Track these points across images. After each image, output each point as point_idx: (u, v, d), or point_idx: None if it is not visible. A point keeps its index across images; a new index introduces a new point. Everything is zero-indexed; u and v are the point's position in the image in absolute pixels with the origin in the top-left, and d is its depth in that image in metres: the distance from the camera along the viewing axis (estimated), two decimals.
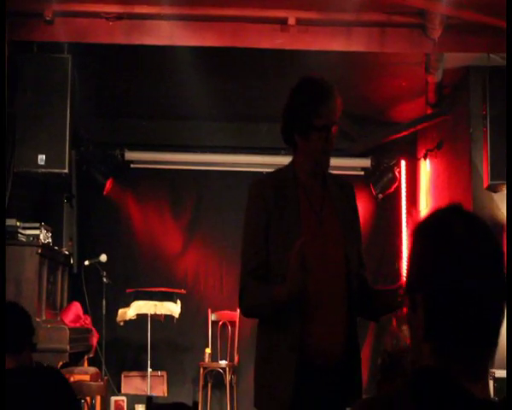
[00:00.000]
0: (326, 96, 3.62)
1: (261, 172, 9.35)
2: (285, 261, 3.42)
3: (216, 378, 10.24)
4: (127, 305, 9.31)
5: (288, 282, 3.42)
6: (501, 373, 7.00)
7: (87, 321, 8.77)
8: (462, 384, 1.60)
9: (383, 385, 3.74)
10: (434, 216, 1.74)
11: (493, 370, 6.98)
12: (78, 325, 8.33)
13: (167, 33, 7.02)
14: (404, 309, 3.56)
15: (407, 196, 10.74)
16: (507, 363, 1.59)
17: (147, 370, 9.23)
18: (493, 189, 7.65)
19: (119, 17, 6.98)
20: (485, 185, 7.62)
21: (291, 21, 6.96)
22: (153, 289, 9.58)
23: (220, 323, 10.41)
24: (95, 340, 8.90)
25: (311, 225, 3.64)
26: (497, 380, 6.97)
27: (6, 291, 3.64)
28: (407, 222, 10.62)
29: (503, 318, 1.67)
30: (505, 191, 7.72)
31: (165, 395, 9.71)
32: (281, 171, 3.83)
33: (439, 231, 1.70)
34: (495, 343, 1.66)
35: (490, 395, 1.69)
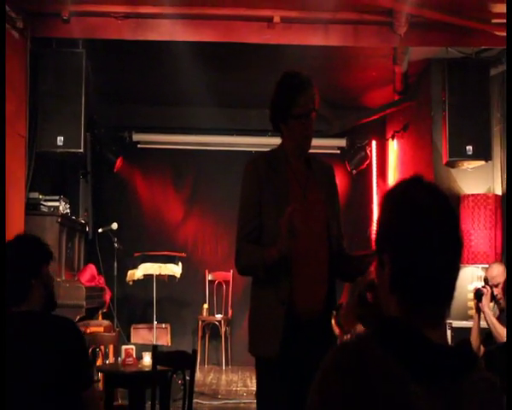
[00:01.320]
0: (302, 87, 3.62)
1: (251, 151, 9.42)
2: (277, 226, 3.44)
3: (212, 330, 10.29)
4: (135, 267, 9.32)
5: (279, 244, 3.44)
6: (457, 324, 7.05)
7: (101, 281, 8.78)
8: (423, 332, 1.61)
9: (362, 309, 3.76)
10: (399, 186, 1.73)
11: (451, 321, 7.03)
12: (93, 284, 8.34)
13: (168, 30, 6.99)
14: (373, 266, 3.59)
15: (377, 172, 10.77)
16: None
17: (153, 323, 9.24)
18: (451, 165, 7.65)
19: (127, 16, 6.95)
20: (444, 162, 7.63)
21: (276, 19, 6.94)
22: (157, 253, 9.60)
23: (216, 282, 10.44)
24: (107, 297, 8.91)
25: (297, 197, 3.65)
26: (453, 329, 7.02)
27: None
28: (377, 194, 10.65)
29: (458, 275, 1.67)
30: (462, 167, 7.74)
31: (169, 344, 9.74)
32: (273, 151, 3.82)
33: (404, 198, 1.70)
34: (450, 297, 1.66)
35: (447, 341, 1.70)
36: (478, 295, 5.76)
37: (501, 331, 5.43)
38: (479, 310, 5.75)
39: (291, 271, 3.56)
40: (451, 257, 1.66)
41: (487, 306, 5.68)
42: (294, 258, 3.55)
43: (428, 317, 1.64)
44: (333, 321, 7.78)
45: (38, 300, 3.32)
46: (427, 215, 1.65)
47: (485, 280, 5.96)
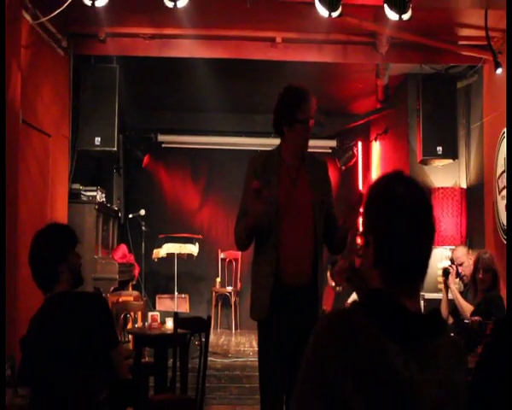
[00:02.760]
0: (306, 97, 3.70)
1: (256, 150, 9.40)
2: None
3: (224, 300, 10.31)
4: (160, 246, 9.34)
5: (249, 211, 3.56)
6: (428, 295, 7.06)
7: (131, 258, 8.80)
8: (401, 301, 1.63)
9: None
10: (382, 179, 1.75)
11: (423, 293, 7.04)
12: (124, 260, 8.36)
13: (188, 48, 6.98)
14: (360, 245, 3.63)
15: (363, 168, 10.76)
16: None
17: (174, 293, 9.27)
18: (424, 162, 7.64)
19: (153, 37, 6.94)
20: (418, 160, 7.61)
21: (278, 40, 6.92)
22: (178, 235, 9.62)
23: (227, 260, 10.46)
24: (136, 272, 8.94)
25: (287, 186, 3.71)
26: (426, 300, 7.03)
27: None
28: (363, 187, 10.64)
29: (430, 255, 1.69)
30: (433, 164, 7.74)
31: (188, 311, 9.75)
32: (270, 151, 3.89)
33: (385, 189, 1.72)
34: (424, 273, 1.68)
35: (420, 309, 1.71)
36: (445, 273, 5.76)
37: (463, 305, 5.44)
38: (446, 286, 5.76)
39: (279, 246, 3.62)
40: (424, 239, 1.67)
41: (453, 282, 5.69)
42: (282, 235, 3.63)
43: (405, 289, 1.66)
44: (328, 274, 7.81)
45: (67, 281, 3.33)
46: (404, 204, 1.66)
47: (452, 260, 5.97)
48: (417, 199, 1.68)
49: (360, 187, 10.66)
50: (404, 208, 1.66)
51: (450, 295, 5.74)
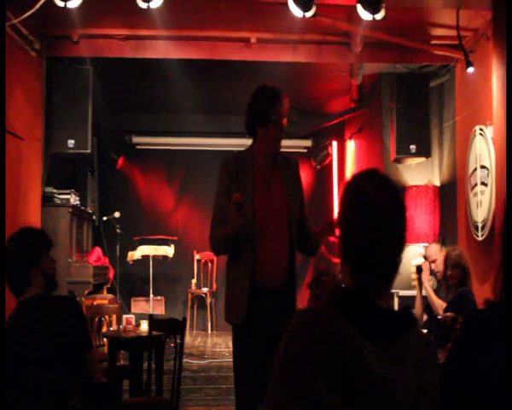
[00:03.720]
0: (279, 97, 3.68)
1: (231, 151, 9.40)
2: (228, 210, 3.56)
3: (200, 301, 10.31)
4: (134, 249, 9.30)
5: (230, 223, 3.53)
6: (403, 293, 7.11)
7: (106, 261, 8.78)
8: (371, 298, 1.65)
9: (314, 290, 3.84)
10: (353, 177, 1.76)
11: (397, 290, 7.10)
12: (99, 263, 8.33)
13: (162, 49, 6.97)
14: (333, 240, 3.67)
15: (338, 167, 10.80)
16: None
17: (149, 295, 9.23)
18: (398, 161, 7.69)
19: (127, 38, 6.93)
20: (392, 158, 7.67)
21: (253, 40, 6.94)
22: (153, 237, 9.60)
23: (203, 261, 10.46)
24: (111, 274, 8.92)
25: (261, 188, 3.71)
26: (400, 297, 7.08)
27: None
28: (338, 185, 10.70)
29: (400, 252, 1.69)
30: (406, 162, 7.80)
31: (163, 313, 9.74)
32: (242, 152, 3.86)
33: (353, 188, 1.73)
34: (393, 271, 1.68)
35: (392, 306, 1.73)
36: (419, 270, 5.81)
37: (436, 302, 5.49)
38: (420, 283, 5.80)
39: (255, 249, 3.61)
40: (390, 239, 1.67)
41: (427, 280, 5.74)
42: (258, 237, 3.62)
43: (374, 286, 1.66)
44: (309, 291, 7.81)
45: (40, 285, 3.32)
46: (370, 203, 1.67)
47: (425, 257, 6.02)
48: (384, 199, 1.68)
49: (335, 189, 10.71)
50: (368, 208, 1.66)
51: (424, 293, 5.79)
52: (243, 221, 3.51)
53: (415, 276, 5.95)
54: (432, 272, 5.86)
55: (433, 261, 5.88)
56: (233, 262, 3.73)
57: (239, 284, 3.64)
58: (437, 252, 5.94)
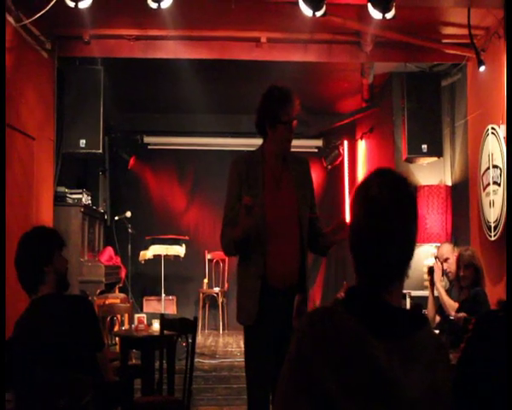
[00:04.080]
0: (289, 98, 3.68)
1: (242, 151, 9.41)
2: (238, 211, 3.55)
3: (211, 300, 10.32)
4: (146, 248, 9.32)
5: (239, 224, 3.52)
6: (415, 293, 7.08)
7: (117, 260, 8.79)
8: (382, 297, 1.65)
9: None
10: (363, 179, 1.76)
11: (410, 290, 7.06)
12: (110, 263, 8.34)
13: (173, 49, 6.98)
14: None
15: (349, 167, 10.78)
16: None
17: (161, 295, 9.25)
18: (409, 160, 7.67)
19: (138, 38, 6.94)
20: (403, 158, 7.64)
21: (263, 40, 6.94)
22: (165, 237, 9.60)
23: (214, 260, 10.47)
24: (123, 274, 8.93)
25: (271, 189, 3.70)
26: (412, 298, 7.04)
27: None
28: (349, 185, 10.68)
29: (410, 253, 1.69)
30: (418, 162, 7.77)
31: (175, 312, 9.74)
32: (253, 152, 3.86)
33: (361, 188, 1.73)
34: (403, 271, 1.68)
35: (401, 304, 1.72)
36: (431, 271, 5.77)
37: (448, 303, 5.45)
38: (432, 284, 5.77)
39: (266, 249, 3.61)
40: (396, 240, 1.67)
41: (439, 280, 5.70)
42: (268, 238, 3.61)
43: (384, 285, 1.66)
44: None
45: (52, 284, 3.33)
46: (375, 204, 1.67)
47: (436, 258, 5.99)
48: (392, 201, 1.67)
49: (346, 189, 10.69)
50: (373, 209, 1.67)
51: (436, 293, 5.76)
52: (253, 223, 3.51)
53: (427, 277, 5.92)
54: (444, 272, 5.83)
55: (446, 260, 5.85)
56: (244, 263, 3.73)
57: (250, 285, 3.64)
58: (449, 251, 5.90)
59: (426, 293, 6.27)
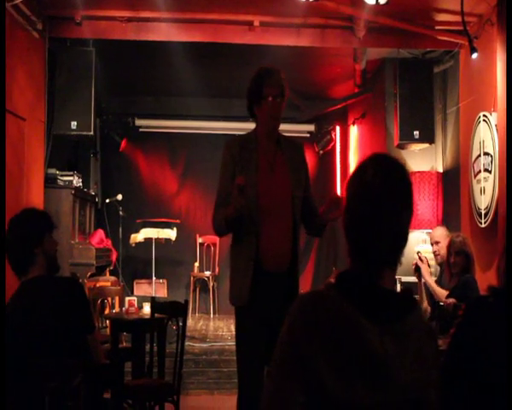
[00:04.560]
0: (271, 73, 3.69)
1: (234, 134, 9.38)
2: (246, 199, 3.52)
3: (202, 284, 10.33)
4: (137, 231, 9.31)
5: (232, 203, 3.51)
6: (405, 279, 7.09)
7: (108, 243, 8.78)
8: (373, 280, 1.65)
9: None
10: (358, 165, 1.76)
11: (400, 276, 7.08)
12: (101, 246, 8.34)
13: (165, 32, 6.95)
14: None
15: (340, 152, 10.80)
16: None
17: (152, 278, 9.25)
18: (401, 146, 7.67)
19: (130, 20, 6.90)
20: (395, 144, 7.63)
21: (256, 23, 6.91)
22: (156, 220, 9.60)
23: (205, 244, 10.48)
24: (114, 257, 8.92)
25: (265, 171, 3.70)
26: (402, 283, 7.06)
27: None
28: (340, 171, 10.69)
29: (404, 238, 1.70)
30: (410, 148, 7.78)
31: (166, 296, 9.76)
32: (246, 135, 3.86)
33: (356, 174, 1.73)
34: (397, 256, 1.69)
35: (394, 287, 1.73)
36: (417, 269, 5.74)
37: (438, 292, 5.47)
38: (420, 279, 5.75)
39: (258, 232, 3.61)
40: (389, 225, 1.67)
41: (427, 274, 5.69)
42: (261, 220, 3.62)
43: (377, 268, 1.67)
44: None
45: (42, 266, 3.33)
46: (368, 189, 1.68)
47: (419, 252, 6.00)
48: (385, 186, 1.68)
49: (338, 174, 10.70)
50: (367, 193, 1.68)
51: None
52: (245, 203, 3.50)
53: (414, 274, 5.91)
54: (434, 254, 5.86)
55: (436, 243, 5.89)
56: (237, 245, 3.74)
57: (242, 267, 3.65)
58: (441, 236, 5.93)
59: (416, 280, 6.29)
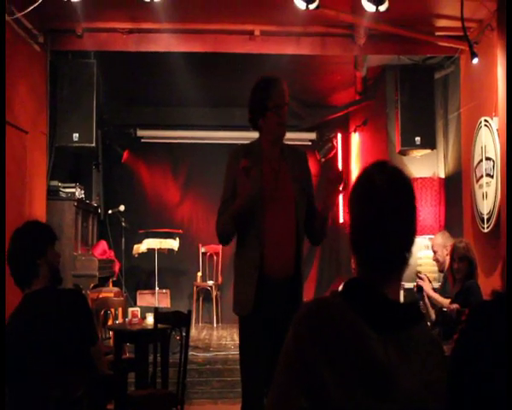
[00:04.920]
0: (273, 84, 3.68)
1: (236, 144, 9.38)
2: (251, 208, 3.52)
3: (205, 294, 10.31)
4: (140, 242, 9.30)
5: (239, 194, 3.52)
6: (408, 285, 7.08)
7: (111, 254, 8.77)
8: (379, 289, 1.65)
9: None
10: (363, 169, 1.76)
11: (403, 282, 7.06)
12: (104, 257, 8.33)
13: (166, 43, 6.97)
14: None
15: (342, 160, 10.78)
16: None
17: (155, 288, 9.24)
18: (403, 153, 7.67)
19: (130, 31, 6.92)
20: (397, 150, 7.64)
21: (256, 33, 6.93)
22: (158, 230, 9.60)
23: (208, 254, 10.46)
24: (117, 268, 8.92)
25: (269, 179, 3.69)
26: (405, 290, 7.05)
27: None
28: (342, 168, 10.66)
29: (410, 244, 1.69)
30: (412, 154, 7.78)
31: (169, 306, 9.74)
32: (251, 144, 3.84)
33: (361, 179, 1.73)
34: (402, 263, 1.68)
35: (399, 297, 1.73)
36: (419, 289, 5.73)
37: (442, 303, 5.46)
38: (423, 296, 5.72)
39: (262, 241, 3.60)
40: (396, 230, 1.67)
41: (430, 290, 5.68)
42: (265, 228, 3.61)
43: (382, 277, 1.66)
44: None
45: (45, 278, 3.33)
46: (376, 194, 1.67)
47: (419, 272, 6.01)
48: (392, 190, 1.68)
49: (339, 166, 10.69)
50: (376, 199, 1.67)
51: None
52: (253, 188, 3.50)
53: (420, 268, 5.93)
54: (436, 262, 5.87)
55: (434, 252, 5.93)
56: (240, 252, 3.73)
57: (246, 276, 3.63)
58: (439, 245, 5.96)
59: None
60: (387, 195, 1.66)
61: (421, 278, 5.71)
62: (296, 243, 3.69)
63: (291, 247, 3.67)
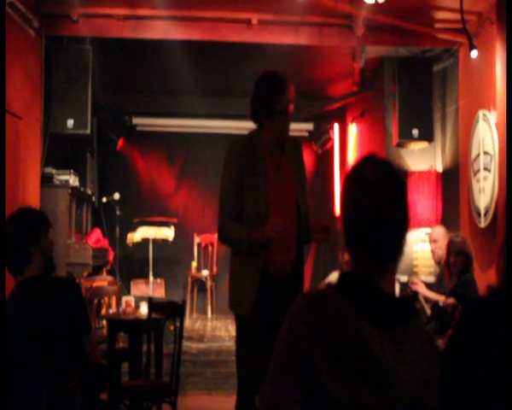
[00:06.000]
0: (283, 87, 3.63)
1: (231, 133, 9.38)
2: (255, 207, 3.54)
3: (200, 284, 10.31)
4: (134, 230, 9.30)
5: (265, 234, 3.47)
6: (404, 279, 7.10)
7: (105, 243, 8.76)
8: (374, 282, 1.65)
9: None
10: (354, 163, 1.76)
11: (398, 276, 7.09)
12: (98, 245, 8.32)
13: (162, 30, 6.95)
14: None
15: (339, 151, 10.77)
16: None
17: (149, 278, 9.25)
18: (400, 145, 7.67)
19: (127, 17, 6.89)
20: (394, 143, 7.64)
21: (254, 21, 6.91)
22: (153, 219, 9.59)
23: (203, 243, 10.46)
24: (111, 256, 8.91)
25: (273, 177, 3.66)
26: (400, 284, 7.07)
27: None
28: (339, 170, 10.68)
29: (403, 236, 1.69)
30: (409, 147, 7.78)
31: (163, 296, 9.74)
32: (251, 137, 3.76)
33: (354, 171, 1.74)
34: (396, 254, 1.68)
35: (394, 290, 1.73)
36: (414, 294, 5.73)
37: (439, 300, 5.48)
38: (418, 298, 5.75)
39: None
40: (390, 222, 1.67)
41: (425, 291, 5.70)
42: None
43: (376, 270, 1.67)
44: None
45: (38, 265, 3.32)
46: (369, 186, 1.68)
47: (411, 280, 6.02)
48: (384, 182, 1.68)
49: (336, 173, 10.69)
50: (368, 191, 1.67)
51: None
52: (279, 237, 3.47)
53: (416, 262, 5.95)
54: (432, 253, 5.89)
55: (434, 241, 5.93)
56: (242, 253, 3.66)
57: (248, 275, 3.60)
58: (440, 235, 5.98)
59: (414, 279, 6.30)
60: (379, 186, 1.67)
61: (414, 283, 5.73)
62: (298, 239, 3.68)
63: (293, 244, 3.66)
